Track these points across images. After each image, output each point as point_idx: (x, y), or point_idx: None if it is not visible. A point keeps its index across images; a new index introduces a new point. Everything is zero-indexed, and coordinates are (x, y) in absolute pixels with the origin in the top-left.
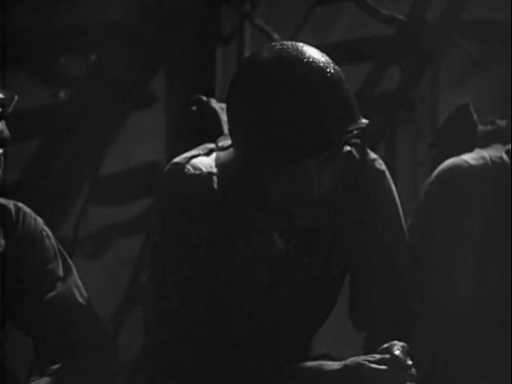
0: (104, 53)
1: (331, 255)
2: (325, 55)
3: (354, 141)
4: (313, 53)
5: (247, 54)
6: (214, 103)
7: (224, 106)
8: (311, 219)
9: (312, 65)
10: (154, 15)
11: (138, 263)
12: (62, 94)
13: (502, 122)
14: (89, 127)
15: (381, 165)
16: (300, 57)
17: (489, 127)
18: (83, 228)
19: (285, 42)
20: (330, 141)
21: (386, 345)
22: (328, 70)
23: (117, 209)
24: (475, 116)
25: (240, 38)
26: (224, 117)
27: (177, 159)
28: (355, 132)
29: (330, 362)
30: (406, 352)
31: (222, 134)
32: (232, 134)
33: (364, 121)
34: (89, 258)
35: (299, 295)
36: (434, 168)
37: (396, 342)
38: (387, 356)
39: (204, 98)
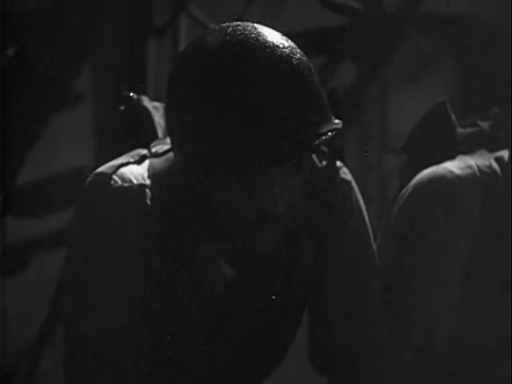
0: (23, 47)
1: (289, 284)
2: (289, 40)
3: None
4: (275, 36)
5: (183, 47)
6: (146, 102)
7: (158, 104)
8: (269, 243)
9: (275, 50)
10: (79, 5)
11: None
12: None
13: (484, 124)
14: (6, 128)
15: (346, 174)
16: (260, 40)
17: (470, 130)
18: (0, 242)
19: (239, 23)
20: (298, 146)
21: None
22: (295, 57)
23: (38, 220)
24: (454, 117)
25: (175, 29)
26: (158, 118)
27: (101, 169)
28: (328, 135)
29: None
30: None
31: (156, 137)
32: (172, 138)
33: (337, 121)
34: (7, 275)
35: (250, 333)
36: (406, 178)
37: None
38: None
39: (134, 96)
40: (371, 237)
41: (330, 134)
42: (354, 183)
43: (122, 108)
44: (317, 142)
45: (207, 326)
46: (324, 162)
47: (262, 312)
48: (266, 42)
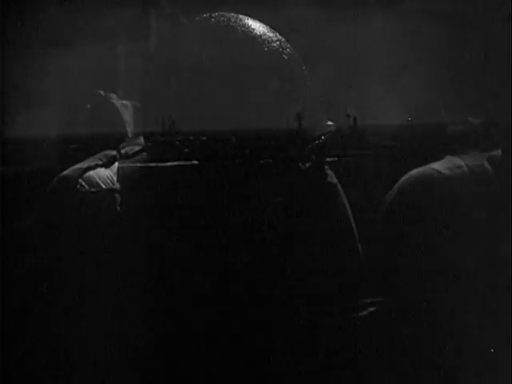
0: None
1: (275, 296)
2: (277, 32)
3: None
4: (263, 29)
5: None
6: (115, 100)
7: (128, 103)
8: (256, 249)
9: (264, 45)
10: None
11: None
12: None
13: (475, 121)
14: None
15: (332, 177)
16: (247, 33)
17: (460, 127)
18: None
19: (222, 13)
20: (289, 149)
21: None
22: (285, 52)
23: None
24: (443, 113)
25: (144, 25)
26: (127, 116)
27: (66, 172)
28: (322, 139)
29: None
30: None
31: (126, 137)
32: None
33: (330, 123)
34: None
35: (235, 350)
36: (392, 180)
37: None
38: None
39: (102, 93)
40: (358, 241)
41: (323, 137)
42: (339, 186)
43: (89, 106)
44: (309, 146)
45: (188, 345)
46: (308, 165)
47: (248, 327)
48: (254, 35)
